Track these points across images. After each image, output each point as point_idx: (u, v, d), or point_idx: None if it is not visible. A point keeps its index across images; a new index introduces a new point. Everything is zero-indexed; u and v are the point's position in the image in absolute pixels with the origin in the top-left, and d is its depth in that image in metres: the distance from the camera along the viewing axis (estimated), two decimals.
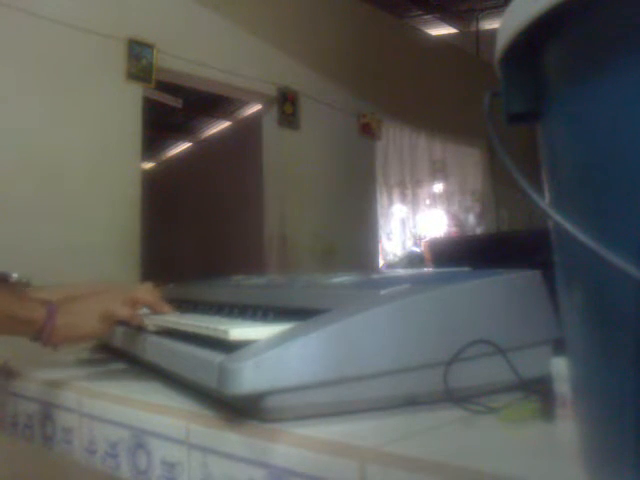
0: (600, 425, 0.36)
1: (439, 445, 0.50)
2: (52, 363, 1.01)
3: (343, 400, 0.58)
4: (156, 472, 0.65)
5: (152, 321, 0.85)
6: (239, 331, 0.62)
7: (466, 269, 0.78)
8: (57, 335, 0.81)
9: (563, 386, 0.52)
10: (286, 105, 3.64)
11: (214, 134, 6.21)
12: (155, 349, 0.80)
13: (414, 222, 5.11)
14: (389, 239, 4.87)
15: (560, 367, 0.52)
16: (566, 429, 0.49)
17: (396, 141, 4.85)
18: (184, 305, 0.97)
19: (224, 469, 0.57)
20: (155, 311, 0.88)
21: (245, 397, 0.54)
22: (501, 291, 0.68)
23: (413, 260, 4.10)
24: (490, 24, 5.20)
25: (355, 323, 0.58)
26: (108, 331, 0.86)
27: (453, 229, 5.30)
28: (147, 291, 0.88)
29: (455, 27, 5.44)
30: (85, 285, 0.91)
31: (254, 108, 5.03)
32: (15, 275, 0.88)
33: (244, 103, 5.25)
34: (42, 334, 0.80)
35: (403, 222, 5.03)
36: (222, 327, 0.64)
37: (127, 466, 0.69)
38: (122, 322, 0.85)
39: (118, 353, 1.00)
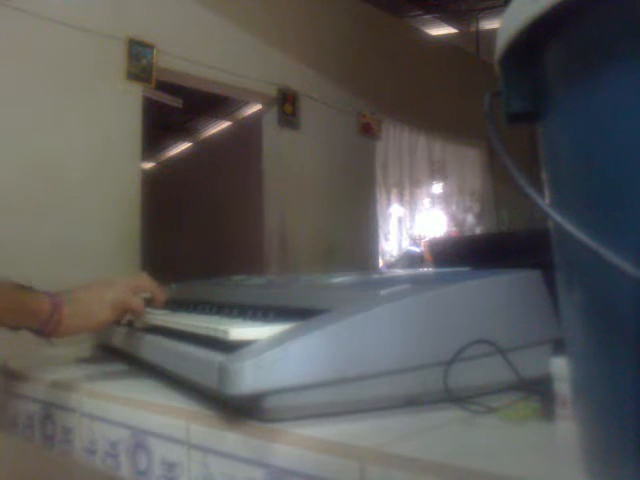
0: (600, 425, 0.36)
1: (439, 445, 0.50)
2: (52, 363, 1.01)
3: (343, 400, 0.58)
4: (156, 472, 0.65)
5: (152, 320, 0.85)
6: (239, 331, 0.62)
7: (466, 269, 0.78)
8: (66, 325, 0.77)
9: (563, 386, 0.52)
10: (286, 105, 3.65)
11: (214, 134, 6.21)
12: (155, 349, 0.80)
13: (411, 222, 5.11)
14: (387, 239, 4.86)
15: (560, 367, 0.52)
16: (566, 429, 0.49)
17: (396, 141, 4.85)
18: (184, 305, 0.97)
19: (224, 469, 0.57)
20: (154, 298, 0.89)
21: (245, 397, 0.54)
22: (501, 291, 0.68)
23: (411, 260, 4.11)
24: (490, 24, 5.19)
25: (355, 323, 0.58)
26: (117, 319, 0.85)
27: (452, 229, 5.30)
28: (147, 279, 0.89)
29: (455, 27, 5.44)
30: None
31: (254, 108, 5.03)
32: None
33: (244, 103, 5.26)
34: (48, 325, 0.76)
35: (400, 222, 5.02)
36: (222, 327, 0.64)
37: (127, 466, 0.69)
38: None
39: (118, 353, 1.00)
